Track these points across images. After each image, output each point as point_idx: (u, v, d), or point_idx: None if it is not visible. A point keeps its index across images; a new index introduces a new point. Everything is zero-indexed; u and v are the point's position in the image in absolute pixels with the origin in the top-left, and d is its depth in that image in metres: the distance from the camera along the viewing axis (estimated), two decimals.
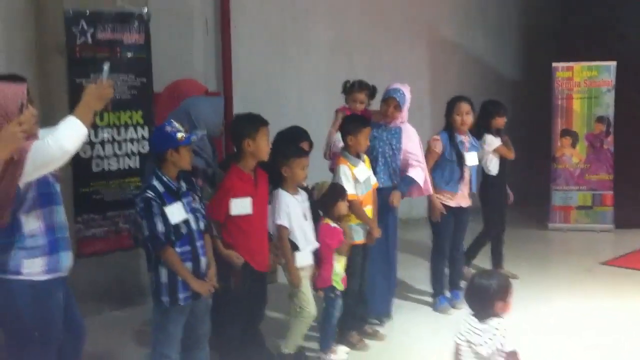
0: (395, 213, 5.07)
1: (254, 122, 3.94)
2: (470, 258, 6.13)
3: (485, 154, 5.91)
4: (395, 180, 4.96)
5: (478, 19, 9.25)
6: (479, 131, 5.87)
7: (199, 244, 3.56)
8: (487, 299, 3.11)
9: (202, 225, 3.61)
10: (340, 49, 7.54)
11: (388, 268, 5.09)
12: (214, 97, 4.48)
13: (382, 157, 4.92)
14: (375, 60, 7.72)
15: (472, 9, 9.20)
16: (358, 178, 4.57)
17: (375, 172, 4.85)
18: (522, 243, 6.28)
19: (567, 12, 9.41)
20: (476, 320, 3.12)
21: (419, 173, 5.01)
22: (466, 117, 5.31)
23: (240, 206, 3.83)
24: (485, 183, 6.04)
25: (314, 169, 4.84)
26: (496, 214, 6.06)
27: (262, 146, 3.91)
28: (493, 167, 5.95)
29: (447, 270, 5.56)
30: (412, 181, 5.01)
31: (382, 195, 4.88)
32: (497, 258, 6.19)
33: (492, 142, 5.88)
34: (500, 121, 5.92)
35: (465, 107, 5.31)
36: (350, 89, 5.22)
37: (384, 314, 5.14)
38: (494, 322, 3.07)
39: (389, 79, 5.27)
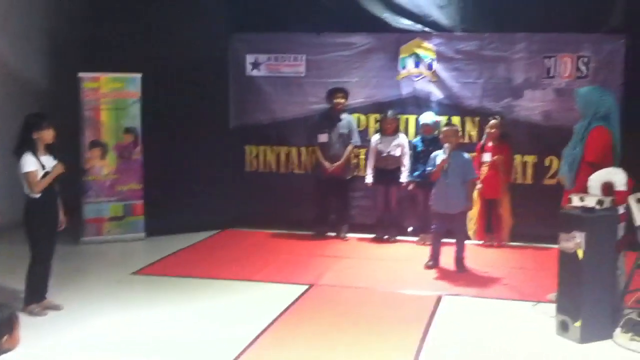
0: None
1: None
2: (32, 296, 5.62)
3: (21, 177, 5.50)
4: None
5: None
6: (19, 147, 5.51)
7: None
8: None
9: None
10: None
11: None
12: None
13: None
14: None
15: None
16: None
17: None
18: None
19: (96, 23, 9.33)
20: None
21: None
22: None
23: None
24: (28, 206, 5.56)
25: None
26: (42, 239, 5.62)
27: None
28: (25, 188, 5.53)
29: None
30: None
31: None
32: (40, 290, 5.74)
33: (25, 163, 5.47)
34: (47, 135, 5.60)
35: None
36: None
37: None
38: None
39: None
